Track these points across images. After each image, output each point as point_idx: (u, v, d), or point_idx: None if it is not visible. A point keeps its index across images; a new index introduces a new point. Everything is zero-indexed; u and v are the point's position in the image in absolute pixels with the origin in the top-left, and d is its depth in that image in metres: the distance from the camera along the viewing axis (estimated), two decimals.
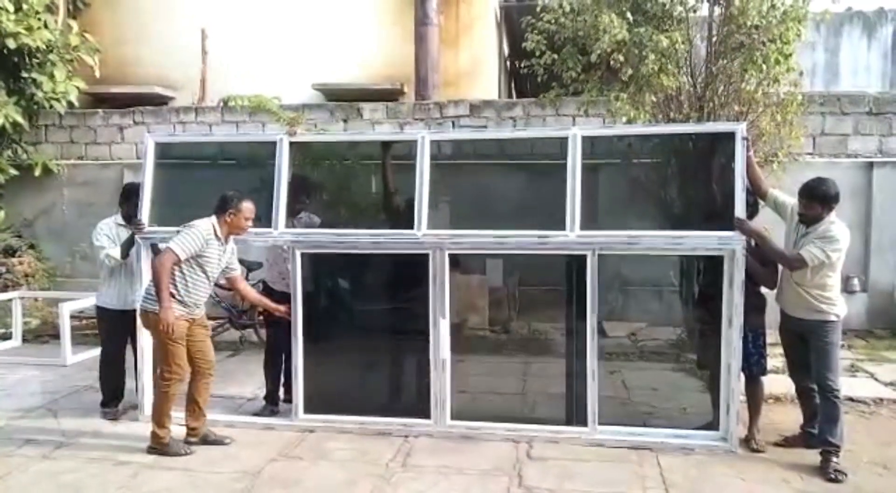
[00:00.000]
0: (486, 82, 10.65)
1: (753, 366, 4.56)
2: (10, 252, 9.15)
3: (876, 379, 6.10)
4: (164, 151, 5.32)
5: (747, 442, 4.55)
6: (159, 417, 4.52)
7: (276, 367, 5.34)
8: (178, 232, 4.44)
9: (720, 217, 4.48)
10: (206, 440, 4.69)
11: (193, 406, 4.68)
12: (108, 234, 5.17)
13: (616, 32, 6.06)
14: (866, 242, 8.00)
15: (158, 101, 10.54)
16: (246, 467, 4.32)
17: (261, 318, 7.07)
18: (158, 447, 4.53)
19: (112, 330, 5.25)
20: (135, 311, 4.83)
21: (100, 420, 5.17)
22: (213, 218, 4.54)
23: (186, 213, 5.25)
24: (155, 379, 4.65)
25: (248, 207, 4.56)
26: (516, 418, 4.98)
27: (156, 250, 5.18)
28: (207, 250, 4.47)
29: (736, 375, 4.43)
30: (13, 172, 9.19)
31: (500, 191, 5.88)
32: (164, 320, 4.31)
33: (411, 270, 4.81)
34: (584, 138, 4.74)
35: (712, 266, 4.63)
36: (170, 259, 4.33)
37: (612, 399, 5.47)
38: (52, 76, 9.35)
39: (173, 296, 4.38)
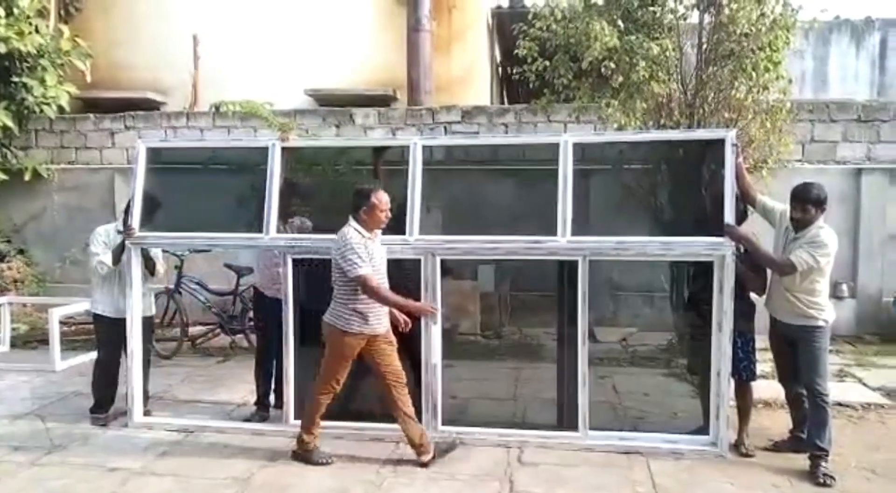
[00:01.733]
0: (478, 88, 10.68)
1: (743, 371, 4.58)
2: (0, 257, 9.10)
3: (864, 384, 6.14)
4: (155, 156, 5.31)
5: (737, 447, 4.57)
6: (309, 424, 4.45)
7: (267, 372, 5.33)
8: (339, 255, 4.22)
9: (710, 223, 4.51)
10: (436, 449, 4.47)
11: (407, 418, 4.42)
12: (105, 240, 5.16)
13: (607, 40, 6.11)
14: (855, 247, 8.06)
15: (150, 106, 10.51)
16: (236, 473, 4.30)
17: (251, 323, 7.07)
18: (303, 452, 4.45)
19: (107, 337, 5.23)
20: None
21: (90, 426, 5.14)
22: (352, 221, 4.32)
23: (177, 218, 5.27)
24: (311, 388, 4.49)
25: (380, 198, 4.32)
26: (507, 423, 4.98)
27: (146, 256, 5.18)
28: (371, 251, 4.30)
29: (726, 380, 4.45)
30: (3, 176, 9.13)
31: (491, 197, 5.91)
32: (424, 309, 4.43)
33: (403, 275, 4.81)
34: (576, 145, 4.77)
35: (702, 272, 4.65)
36: (371, 280, 4.16)
37: (603, 404, 5.47)
38: (42, 81, 9.30)
39: (357, 312, 4.25)
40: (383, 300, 4.28)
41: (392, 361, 4.41)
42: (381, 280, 4.32)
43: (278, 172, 5.00)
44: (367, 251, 4.24)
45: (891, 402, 5.66)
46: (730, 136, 4.54)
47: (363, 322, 4.28)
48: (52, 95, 9.38)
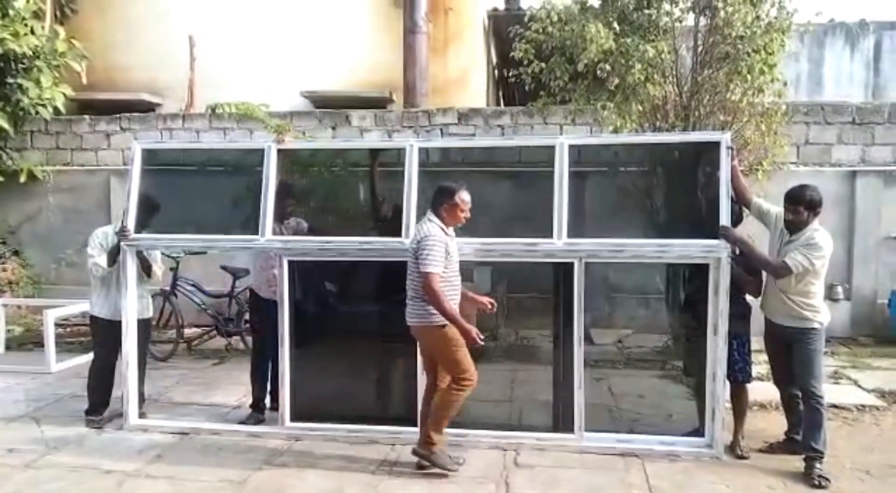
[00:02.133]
0: (474, 90, 10.70)
1: (739, 373, 4.59)
2: None
3: (859, 386, 6.15)
4: (150, 157, 5.30)
5: (732, 449, 4.58)
6: (440, 424, 4.27)
7: (263, 375, 5.32)
8: (417, 246, 4.16)
9: (705, 225, 4.52)
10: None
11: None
12: (102, 242, 5.15)
13: (603, 42, 6.12)
14: (849, 250, 8.08)
15: (146, 107, 10.50)
16: (231, 475, 4.29)
17: (247, 325, 7.06)
18: (428, 453, 4.27)
19: (104, 339, 5.23)
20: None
21: (85, 428, 5.12)
22: (432, 215, 4.28)
23: (173, 220, 5.26)
24: (443, 389, 4.31)
25: (463, 198, 4.28)
26: (503, 425, 4.98)
27: (142, 258, 5.17)
28: (450, 249, 4.27)
29: (721, 382, 4.46)
30: None
31: (487, 199, 5.89)
32: (469, 332, 4.14)
33: (399, 277, 4.82)
34: (572, 147, 4.78)
35: (698, 274, 4.66)
36: (435, 281, 4.10)
37: (598, 406, 5.48)
38: (38, 82, 9.27)
39: (427, 302, 4.17)
40: (438, 304, 4.13)
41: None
42: (454, 279, 4.31)
43: (274, 174, 5.00)
44: (447, 249, 4.20)
45: (885, 404, 5.69)
46: (725, 138, 4.55)
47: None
48: (48, 96, 9.35)
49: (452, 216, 4.30)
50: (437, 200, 4.31)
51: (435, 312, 4.16)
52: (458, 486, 4.14)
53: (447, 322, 4.16)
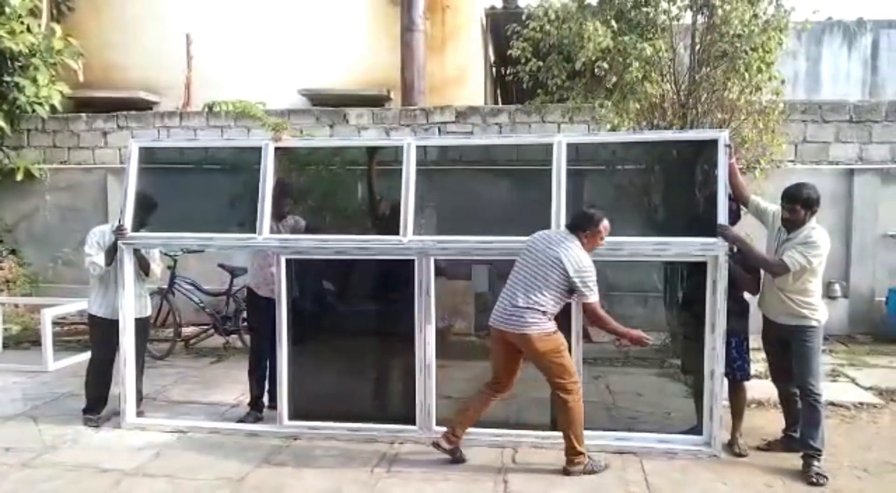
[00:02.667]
0: (472, 89, 10.68)
1: (737, 371, 4.60)
2: None
3: (857, 384, 6.16)
4: (148, 156, 5.29)
5: (730, 447, 4.59)
6: (580, 434, 4.26)
7: (261, 373, 5.31)
8: (579, 278, 4.13)
9: (703, 223, 4.52)
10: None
11: (471, 416, 4.44)
12: (99, 241, 5.14)
13: (600, 40, 6.11)
14: (847, 248, 8.09)
15: (143, 105, 10.48)
16: (229, 474, 4.29)
17: (245, 324, 7.05)
18: (581, 464, 4.23)
19: (103, 338, 5.21)
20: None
21: (82, 427, 5.11)
22: (573, 238, 4.25)
23: (170, 218, 5.25)
24: (560, 399, 4.26)
25: (606, 226, 4.30)
26: (501, 423, 4.98)
27: (140, 257, 5.16)
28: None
29: (719, 380, 4.46)
30: None
31: (485, 197, 5.90)
32: (641, 339, 4.26)
33: (397, 275, 4.81)
34: (569, 145, 4.78)
35: (696, 272, 4.66)
36: (599, 307, 4.20)
37: (596, 404, 5.48)
38: (34, 80, 9.27)
39: (544, 314, 4.17)
40: (605, 325, 4.23)
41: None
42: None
43: (272, 172, 4.99)
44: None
45: (883, 401, 5.70)
46: (723, 136, 4.55)
47: (552, 320, 4.23)
48: (45, 94, 9.34)
49: (592, 243, 4.29)
50: (581, 225, 4.28)
51: (548, 320, 4.17)
52: (457, 484, 4.14)
53: (554, 330, 4.19)
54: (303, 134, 8.80)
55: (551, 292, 4.17)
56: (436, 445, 4.36)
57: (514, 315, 4.18)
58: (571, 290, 4.20)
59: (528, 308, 4.15)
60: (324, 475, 4.28)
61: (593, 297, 4.18)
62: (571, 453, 4.25)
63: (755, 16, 6.17)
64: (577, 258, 4.17)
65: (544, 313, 4.17)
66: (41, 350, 6.85)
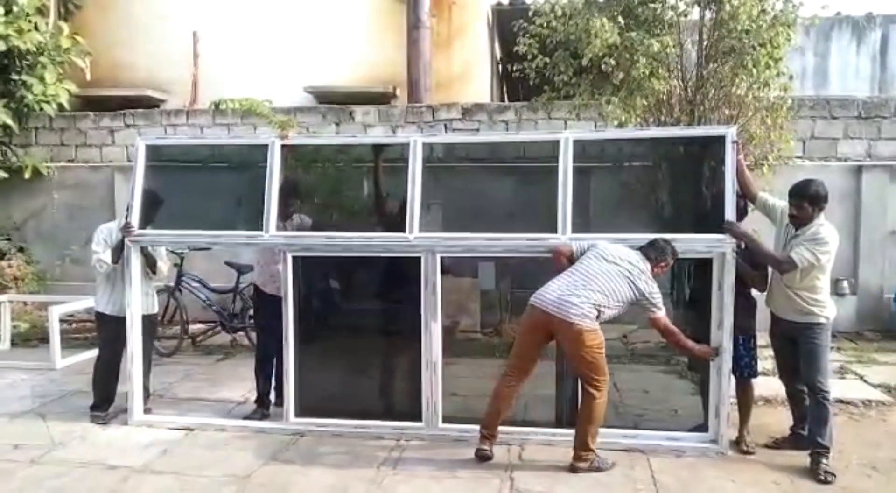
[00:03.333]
0: (478, 86, 10.66)
1: (744, 368, 4.58)
2: (0, 255, 9.10)
3: (865, 381, 6.13)
4: (154, 153, 5.30)
5: (738, 444, 4.57)
6: (596, 432, 4.29)
7: (268, 370, 5.32)
8: (648, 299, 4.24)
9: (710, 220, 4.50)
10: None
11: (501, 413, 4.45)
12: (105, 238, 5.15)
13: (607, 36, 6.08)
14: (855, 244, 8.05)
15: (149, 103, 10.50)
16: (236, 471, 4.30)
17: (251, 321, 7.06)
18: (588, 461, 4.24)
19: (110, 335, 5.23)
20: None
21: (89, 424, 5.13)
22: (645, 260, 4.31)
23: (177, 216, 5.26)
24: (588, 394, 4.26)
25: (671, 262, 4.41)
26: (508, 420, 4.96)
27: (147, 254, 5.17)
28: None
29: (726, 377, 4.45)
30: (3, 174, 9.11)
31: (491, 194, 5.89)
32: (709, 353, 4.42)
33: (403, 273, 4.80)
34: (576, 142, 4.76)
35: (702, 269, 4.64)
36: (668, 322, 4.32)
37: None
38: (42, 79, 9.30)
39: (599, 314, 4.23)
40: (676, 339, 4.35)
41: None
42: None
43: (278, 170, 4.99)
44: None
45: (892, 399, 5.67)
46: (730, 133, 4.53)
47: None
48: (52, 92, 9.38)
49: (659, 273, 4.37)
50: (658, 257, 4.35)
51: (594, 316, 4.19)
52: (464, 482, 4.14)
53: (596, 328, 4.22)
54: (309, 132, 8.81)
55: (613, 300, 4.22)
56: (481, 456, 4.34)
57: (572, 305, 4.18)
58: (633, 303, 4.28)
59: (586, 303, 4.18)
60: (330, 472, 4.29)
61: (661, 312, 4.28)
62: (582, 448, 4.24)
63: (763, 11, 6.13)
64: (648, 283, 4.25)
65: (599, 314, 4.21)
66: (49, 348, 6.88)
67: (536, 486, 4.07)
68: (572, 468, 4.23)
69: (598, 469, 4.23)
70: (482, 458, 4.35)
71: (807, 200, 4.23)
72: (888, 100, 8.30)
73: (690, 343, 4.39)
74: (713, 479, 4.16)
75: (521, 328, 4.49)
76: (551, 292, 4.27)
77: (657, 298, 4.26)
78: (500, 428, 4.64)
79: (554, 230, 4.61)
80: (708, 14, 6.33)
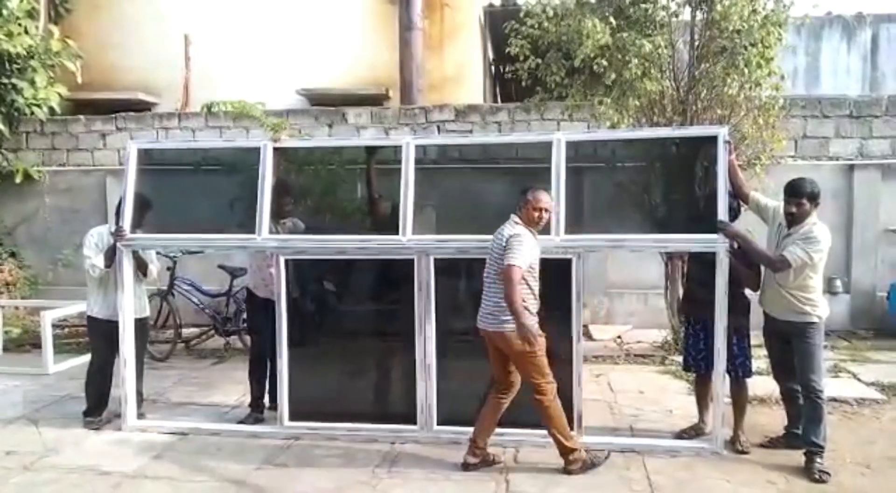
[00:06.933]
0: (471, 87, 10.67)
1: (739, 368, 4.58)
2: None
3: (859, 379, 6.15)
4: (146, 157, 5.27)
5: (732, 444, 4.57)
6: (564, 430, 4.21)
7: (261, 374, 5.30)
8: (504, 248, 4.03)
9: (703, 220, 4.50)
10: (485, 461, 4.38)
11: (487, 425, 4.38)
12: (97, 242, 5.13)
13: (599, 37, 6.10)
14: (848, 243, 8.08)
15: (141, 107, 10.47)
16: (230, 475, 4.28)
17: (245, 324, 7.04)
18: (578, 460, 4.18)
19: (102, 340, 5.20)
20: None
21: (82, 430, 5.10)
22: (514, 218, 4.18)
23: (169, 220, 5.23)
24: (534, 400, 4.20)
25: (537, 196, 4.17)
26: (503, 422, 4.96)
27: (138, 257, 5.15)
28: (536, 251, 4.18)
29: (721, 377, 4.45)
30: None
31: (485, 195, 5.88)
32: (528, 334, 3.97)
33: (397, 275, 4.79)
34: (569, 143, 4.76)
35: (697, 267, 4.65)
36: (517, 276, 3.97)
37: (598, 402, 5.48)
38: (32, 82, 9.25)
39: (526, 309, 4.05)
40: (510, 299, 3.97)
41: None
42: (535, 281, 4.18)
43: (270, 173, 4.98)
44: (530, 246, 4.09)
45: (885, 397, 5.68)
46: (722, 132, 4.54)
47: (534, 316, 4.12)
48: (43, 96, 9.34)
49: (526, 215, 4.19)
50: (519, 204, 4.21)
51: (506, 315, 4.05)
52: (459, 484, 4.13)
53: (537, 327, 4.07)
54: (301, 134, 8.79)
55: (500, 281, 4.07)
56: (465, 466, 4.29)
57: (488, 315, 4.18)
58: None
59: (495, 307, 4.14)
60: (325, 475, 4.27)
61: (514, 259, 3.98)
62: (564, 451, 4.23)
63: (754, 11, 6.16)
64: (512, 230, 4.11)
65: (517, 308, 4.03)
66: (41, 353, 6.84)
67: (532, 488, 4.06)
68: (566, 472, 4.22)
69: (593, 465, 4.23)
70: (466, 468, 4.30)
71: (805, 197, 4.23)
72: (879, 99, 8.33)
73: (522, 317, 3.97)
74: (708, 479, 4.16)
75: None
76: (480, 309, 4.26)
77: (515, 245, 4.00)
78: (496, 430, 4.63)
79: (547, 231, 4.60)
80: (699, 14, 6.36)
